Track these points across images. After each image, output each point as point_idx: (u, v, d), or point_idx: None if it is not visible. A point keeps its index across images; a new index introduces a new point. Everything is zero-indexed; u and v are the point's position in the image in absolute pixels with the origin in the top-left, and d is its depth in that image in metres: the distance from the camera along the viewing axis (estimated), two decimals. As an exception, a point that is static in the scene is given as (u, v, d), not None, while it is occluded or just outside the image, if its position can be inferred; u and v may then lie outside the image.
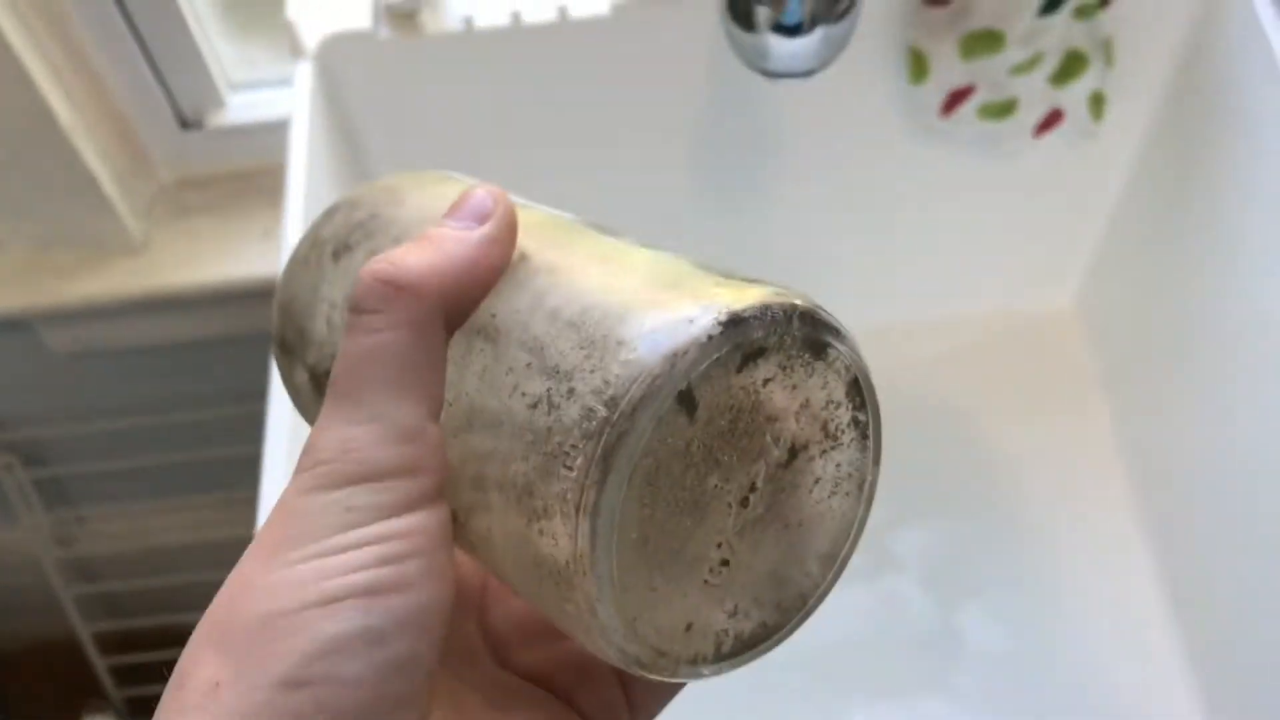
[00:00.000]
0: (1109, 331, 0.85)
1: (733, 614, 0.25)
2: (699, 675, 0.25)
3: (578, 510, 0.22)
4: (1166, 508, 0.78)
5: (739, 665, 0.26)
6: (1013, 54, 0.64)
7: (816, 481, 0.25)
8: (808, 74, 0.46)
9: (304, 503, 0.22)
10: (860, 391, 0.25)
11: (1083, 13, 0.63)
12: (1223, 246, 0.69)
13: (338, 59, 0.65)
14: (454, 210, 0.25)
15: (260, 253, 0.85)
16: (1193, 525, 0.76)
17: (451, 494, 0.24)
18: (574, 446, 0.22)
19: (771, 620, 0.26)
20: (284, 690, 0.21)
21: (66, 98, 0.77)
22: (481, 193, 0.26)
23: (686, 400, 0.23)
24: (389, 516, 0.22)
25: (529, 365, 0.24)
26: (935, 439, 0.85)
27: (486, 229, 0.25)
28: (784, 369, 0.24)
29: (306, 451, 0.23)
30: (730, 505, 0.24)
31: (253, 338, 0.85)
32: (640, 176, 0.73)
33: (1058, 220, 0.82)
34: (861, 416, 0.25)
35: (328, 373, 0.26)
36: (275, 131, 0.77)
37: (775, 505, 0.25)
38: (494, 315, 0.25)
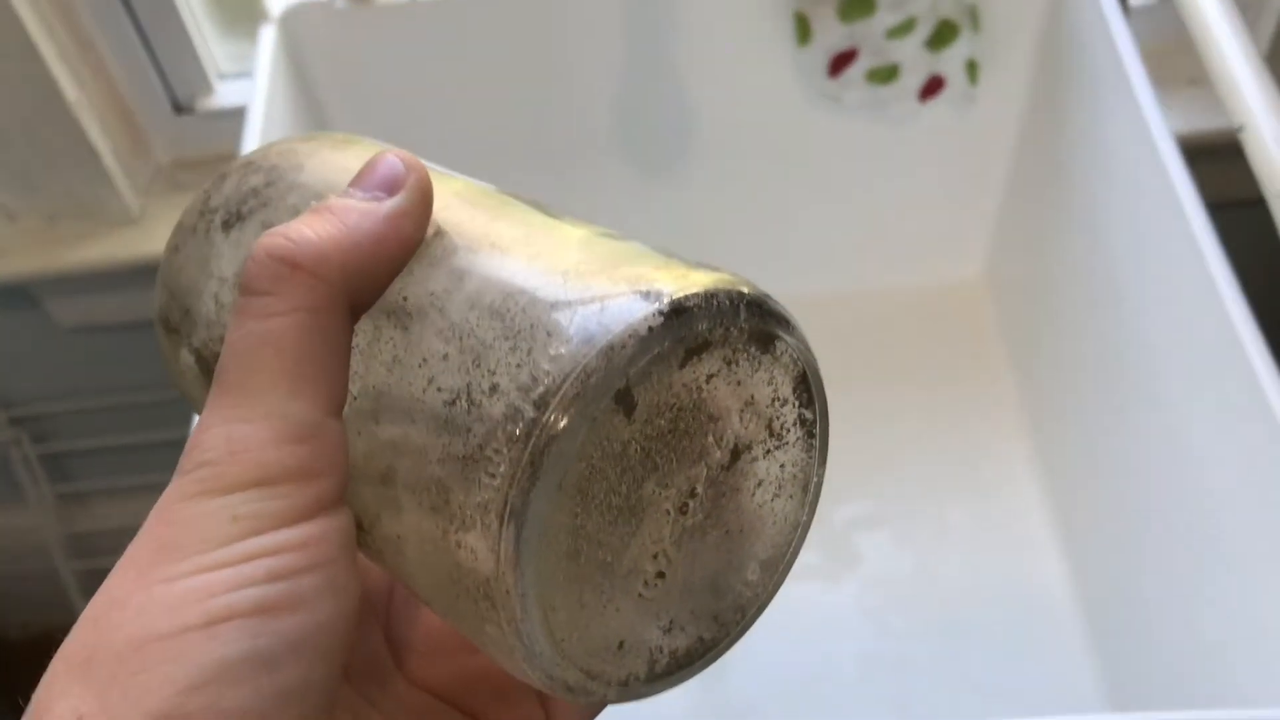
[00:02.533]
0: (1015, 299, 0.92)
1: (668, 629, 0.23)
2: (631, 697, 0.23)
3: (501, 522, 0.20)
4: (1068, 473, 0.84)
5: (673, 685, 0.24)
6: (885, 18, 0.73)
7: (759, 484, 0.23)
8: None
9: (185, 510, 0.20)
10: (808, 387, 0.24)
11: (947, -18, 0.72)
12: (1106, 207, 0.76)
13: (299, 26, 0.75)
14: (360, 178, 0.23)
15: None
16: (1091, 485, 0.82)
17: (354, 496, 0.22)
18: (497, 450, 0.20)
19: (709, 634, 0.24)
20: None
21: (74, 78, 0.87)
22: (392, 158, 0.23)
23: (624, 399, 0.20)
24: (281, 525, 0.20)
25: (445, 356, 0.21)
26: (844, 411, 0.91)
27: (397, 200, 0.22)
28: (729, 363, 0.22)
29: (189, 451, 0.20)
30: (668, 512, 0.22)
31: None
32: (565, 138, 0.82)
33: (957, 190, 0.90)
34: (808, 414, 0.24)
35: (215, 356, 0.24)
36: (256, 110, 0.87)
37: (715, 511, 0.23)
38: (405, 298, 0.22)
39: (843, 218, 0.90)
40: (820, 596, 0.83)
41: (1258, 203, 0.58)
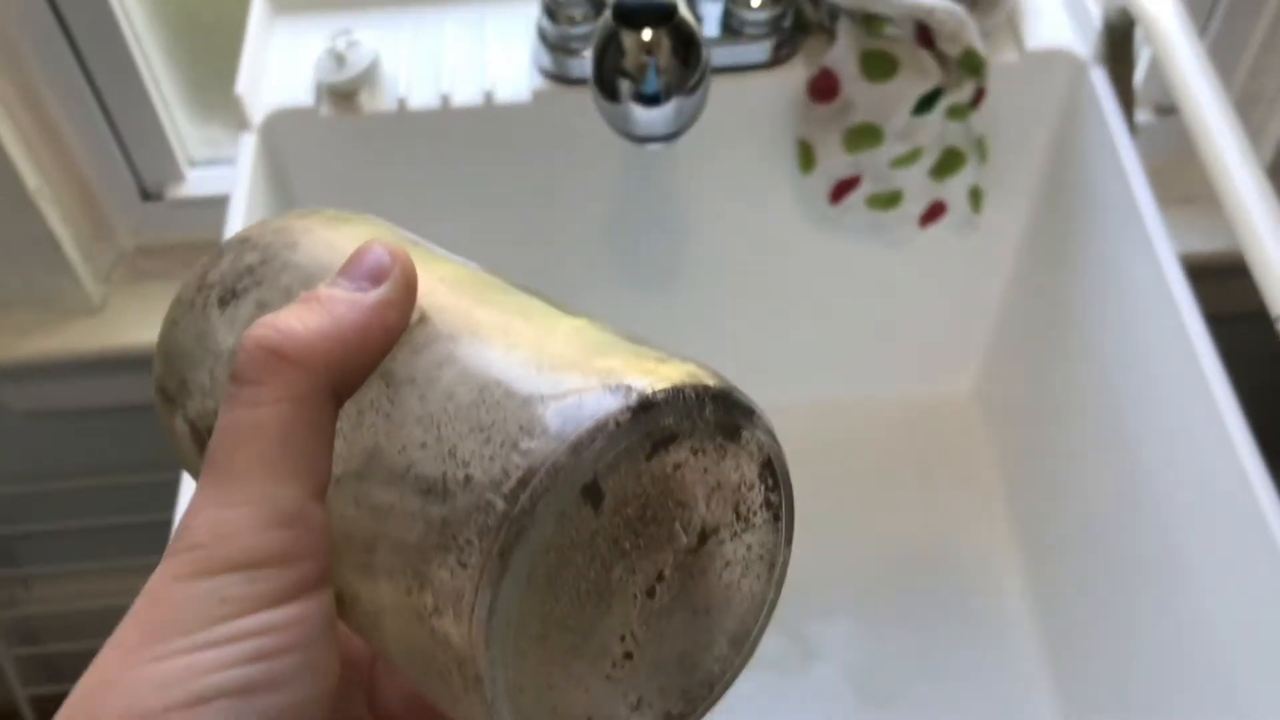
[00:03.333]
0: (1004, 416, 0.91)
1: (635, 706, 0.24)
2: None
3: (471, 611, 0.21)
4: (1054, 577, 0.83)
5: None
6: (893, 148, 0.71)
7: (726, 565, 0.24)
8: (668, 138, 0.53)
9: (173, 591, 0.21)
10: (773, 472, 0.24)
11: (955, 113, 0.70)
12: (1107, 328, 0.75)
13: (281, 133, 0.72)
14: (347, 268, 0.24)
15: (210, 318, 0.90)
16: (1075, 589, 0.80)
17: (335, 573, 0.23)
18: (469, 542, 0.21)
19: (677, 709, 0.25)
20: None
21: (35, 166, 0.83)
22: (379, 249, 0.24)
23: (592, 492, 0.21)
24: (265, 608, 0.21)
25: (424, 445, 0.22)
26: (834, 520, 0.89)
27: (382, 291, 0.23)
28: (695, 453, 0.23)
29: (178, 534, 0.21)
30: (636, 596, 0.23)
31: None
32: (556, 250, 0.79)
33: (951, 309, 0.88)
34: (774, 497, 0.24)
35: (209, 429, 0.25)
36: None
37: (683, 592, 0.23)
38: (387, 385, 0.23)
39: (834, 331, 0.88)
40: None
41: (1240, 317, 0.59)
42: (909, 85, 0.68)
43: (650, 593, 0.23)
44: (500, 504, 0.21)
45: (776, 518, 0.25)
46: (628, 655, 0.23)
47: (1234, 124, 0.57)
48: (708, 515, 0.23)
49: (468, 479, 0.21)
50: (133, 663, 0.20)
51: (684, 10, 0.48)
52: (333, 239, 0.27)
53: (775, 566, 0.25)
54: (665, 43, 0.48)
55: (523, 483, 0.21)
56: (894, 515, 0.89)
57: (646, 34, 0.47)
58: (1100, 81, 0.70)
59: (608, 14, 0.48)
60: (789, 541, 0.25)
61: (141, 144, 0.87)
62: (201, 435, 0.27)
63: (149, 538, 1.08)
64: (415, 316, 0.24)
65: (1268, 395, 0.66)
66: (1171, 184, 0.92)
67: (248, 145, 0.71)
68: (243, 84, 0.71)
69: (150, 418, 0.93)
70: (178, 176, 0.90)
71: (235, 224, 0.68)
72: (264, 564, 0.21)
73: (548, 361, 0.22)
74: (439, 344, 0.23)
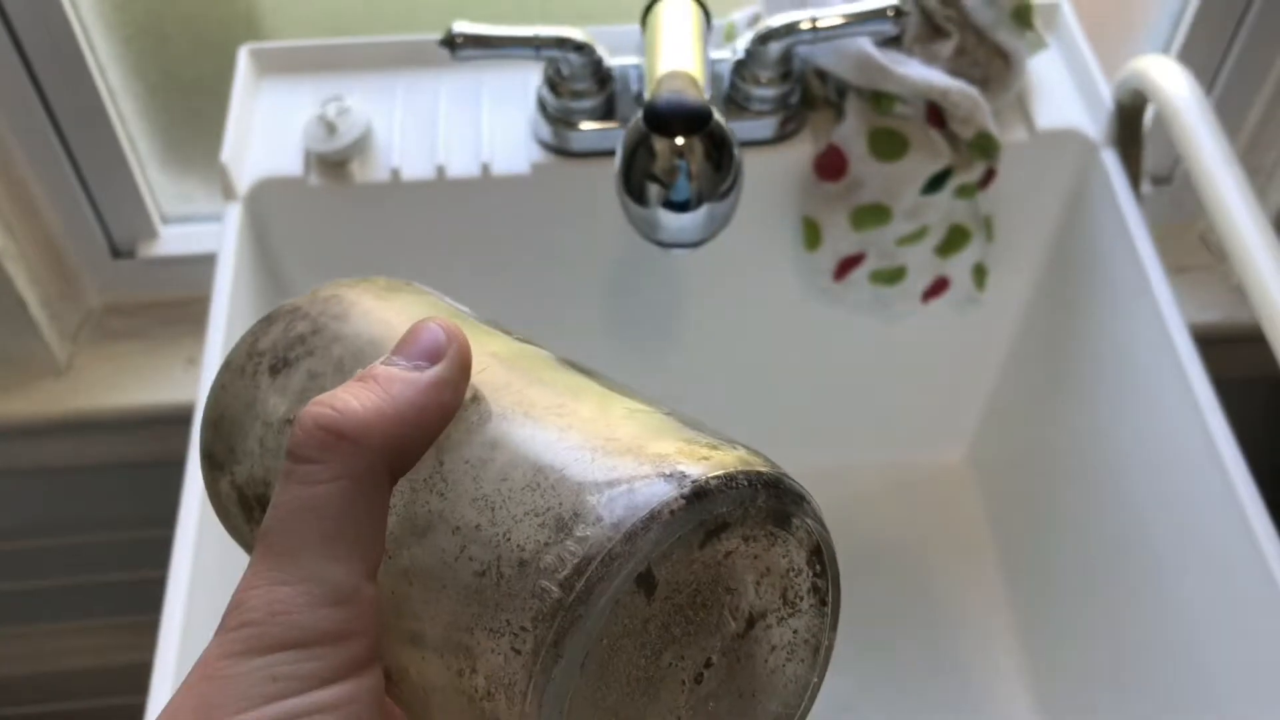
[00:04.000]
0: (998, 483, 0.89)
1: None
2: None
3: (524, 699, 0.21)
4: (1049, 650, 0.82)
5: None
6: (899, 226, 0.69)
7: (772, 649, 0.24)
8: (695, 245, 0.51)
9: (227, 667, 0.21)
10: (821, 558, 0.24)
11: (963, 192, 0.69)
12: (1086, 406, 0.74)
13: (268, 202, 0.69)
14: (403, 346, 0.24)
15: (183, 380, 0.87)
16: (1072, 663, 0.79)
17: (384, 649, 0.23)
18: (524, 628, 0.21)
19: None
20: None
21: (2, 224, 0.80)
22: (434, 327, 0.24)
23: (646, 580, 0.21)
24: (317, 686, 0.21)
25: (478, 527, 0.22)
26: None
27: (438, 371, 0.23)
28: (746, 540, 0.22)
29: (233, 609, 0.21)
30: (684, 682, 0.23)
31: (167, 464, 0.87)
32: (554, 323, 0.76)
33: (949, 380, 0.86)
34: (821, 583, 0.24)
35: (256, 496, 0.26)
36: (205, 263, 0.80)
37: (730, 677, 0.23)
38: (441, 464, 0.23)
39: (830, 399, 0.87)
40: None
41: (1228, 382, 0.59)
42: (919, 165, 0.66)
43: (698, 679, 0.23)
44: (556, 591, 0.21)
45: (823, 603, 0.25)
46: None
47: (1259, 218, 0.56)
48: (755, 601, 0.23)
49: (522, 563, 0.21)
50: None
51: (718, 116, 0.46)
52: (383, 312, 0.28)
53: (820, 650, 0.25)
54: (698, 148, 0.45)
55: (579, 571, 0.20)
56: (887, 581, 0.88)
57: (680, 140, 0.45)
58: (1111, 161, 0.69)
59: (638, 117, 0.46)
60: (834, 626, 0.25)
61: (113, 200, 0.84)
62: (248, 500, 0.27)
63: (112, 597, 1.04)
64: (468, 395, 0.24)
65: (1262, 459, 0.65)
66: (1164, 253, 0.92)
67: (233, 215, 0.68)
68: (228, 151, 0.68)
69: (115, 477, 0.89)
70: (151, 233, 0.86)
71: (222, 296, 0.65)
72: (317, 643, 0.21)
73: (601, 445, 0.22)
74: (493, 423, 0.23)
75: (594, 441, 0.22)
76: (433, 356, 0.23)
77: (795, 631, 0.24)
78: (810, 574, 0.24)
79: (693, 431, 0.23)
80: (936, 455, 0.92)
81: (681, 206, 0.47)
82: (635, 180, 0.47)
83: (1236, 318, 0.90)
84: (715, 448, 0.23)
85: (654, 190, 0.47)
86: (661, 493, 0.21)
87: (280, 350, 0.28)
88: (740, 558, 0.22)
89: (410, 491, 0.23)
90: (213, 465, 0.29)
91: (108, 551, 1.00)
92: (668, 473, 0.21)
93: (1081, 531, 0.77)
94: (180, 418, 0.87)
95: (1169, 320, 0.64)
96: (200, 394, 0.62)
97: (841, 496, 0.91)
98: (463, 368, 0.24)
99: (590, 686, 0.21)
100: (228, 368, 0.29)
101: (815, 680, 0.26)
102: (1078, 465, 0.77)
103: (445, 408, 0.23)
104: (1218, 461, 0.59)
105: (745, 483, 0.22)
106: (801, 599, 0.24)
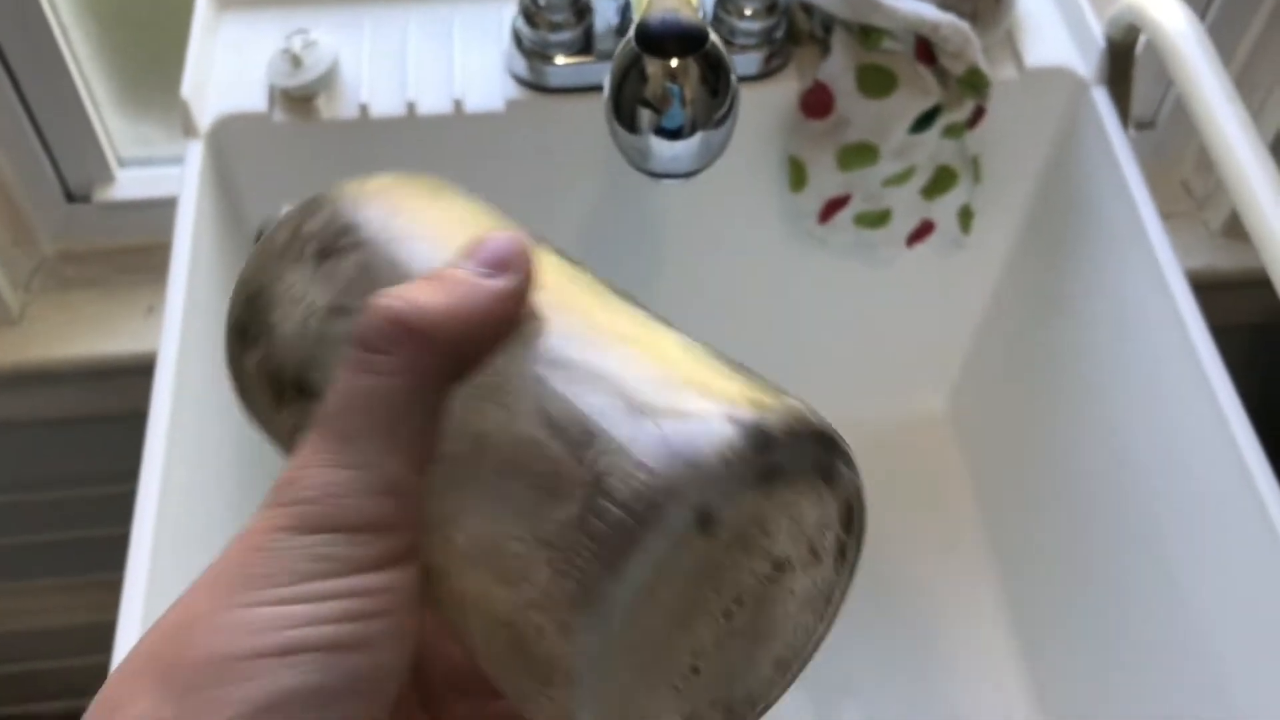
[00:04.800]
0: (978, 434, 0.88)
1: (689, 716, 0.24)
2: None
3: (576, 613, 0.21)
4: (1031, 601, 0.81)
5: None
6: (886, 167, 0.67)
7: (791, 595, 0.24)
8: (688, 175, 0.48)
9: (273, 541, 0.21)
10: (853, 517, 0.25)
11: (951, 131, 0.67)
12: (1074, 352, 0.73)
13: (230, 140, 0.66)
14: (474, 251, 0.24)
15: (142, 330, 0.84)
16: (1053, 615, 0.78)
17: (425, 548, 0.23)
18: (582, 547, 0.21)
19: None
20: None
21: (-51, 166, 0.76)
22: (504, 237, 0.24)
23: (702, 517, 0.21)
24: (359, 571, 0.21)
25: (537, 442, 0.22)
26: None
27: (506, 281, 0.23)
28: (793, 488, 0.23)
29: (284, 485, 0.22)
30: (716, 618, 0.23)
31: (127, 417, 0.84)
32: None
33: (931, 328, 0.85)
34: (845, 539, 0.25)
35: (291, 379, 0.26)
36: (164, 208, 0.77)
37: (754, 618, 0.24)
38: (500, 373, 0.23)
39: (809, 348, 0.85)
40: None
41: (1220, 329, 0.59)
42: (907, 103, 0.64)
43: (728, 615, 0.23)
44: (616, 513, 0.21)
45: (843, 558, 0.25)
46: (695, 670, 0.23)
47: (1259, 149, 0.55)
48: (787, 548, 0.24)
49: (584, 484, 0.21)
50: (225, 605, 0.20)
51: (715, 38, 0.44)
52: (434, 213, 0.28)
53: (831, 603, 0.26)
54: (693, 71, 0.43)
55: (640, 497, 0.21)
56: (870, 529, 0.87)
57: (674, 61, 0.43)
58: (1102, 100, 0.67)
59: (630, 38, 0.43)
60: (849, 584, 0.26)
61: (67, 142, 0.80)
62: (280, 383, 0.27)
63: (72, 556, 1.01)
64: (530, 309, 0.24)
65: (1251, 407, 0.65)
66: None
67: (194, 153, 0.65)
68: (188, 86, 0.65)
69: (72, 432, 0.86)
70: (107, 177, 0.83)
71: (184, 237, 0.62)
72: (363, 529, 0.21)
73: (666, 377, 0.23)
74: (555, 340, 0.23)
75: (659, 372, 0.23)
76: (501, 266, 0.23)
77: (814, 582, 0.25)
78: (840, 530, 0.25)
79: (749, 376, 0.24)
80: (916, 405, 0.91)
81: (674, 134, 0.45)
82: (626, 105, 0.45)
83: (1218, 265, 0.89)
84: (776, 396, 0.23)
85: (645, 116, 0.45)
86: (729, 435, 0.21)
87: (329, 238, 0.27)
88: (785, 505, 0.23)
89: (468, 399, 0.23)
90: (244, 341, 0.28)
91: (66, 509, 0.97)
92: (734, 416, 0.22)
93: (1067, 481, 0.76)
94: (141, 368, 0.84)
95: (1164, 263, 0.62)
96: (161, 344, 0.60)
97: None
98: (528, 280, 0.24)
99: (638, 612, 0.21)
100: (268, 247, 0.28)
101: (822, 631, 0.26)
102: (1064, 414, 0.76)
103: (511, 318, 0.23)
104: (1215, 408, 0.58)
105: (805, 434, 0.23)
106: (826, 552, 0.25)
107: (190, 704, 0.19)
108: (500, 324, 0.23)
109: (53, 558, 1.02)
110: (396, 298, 0.23)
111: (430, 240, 0.26)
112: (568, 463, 0.21)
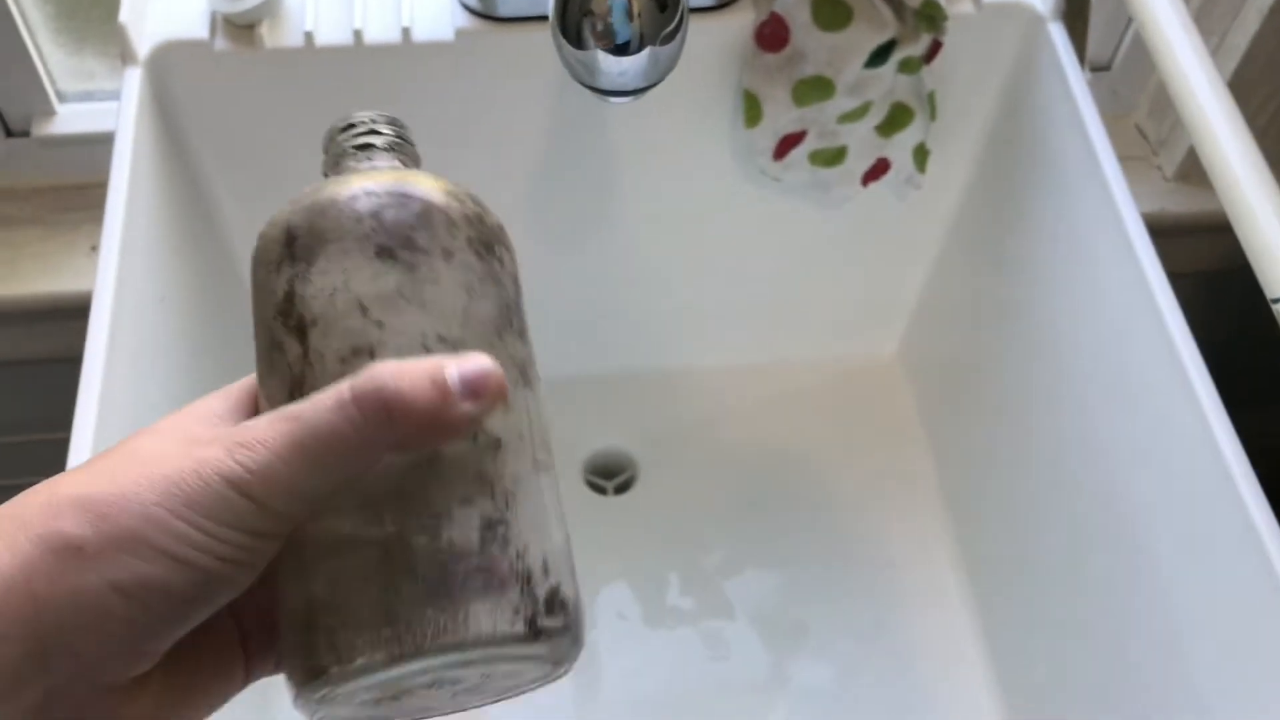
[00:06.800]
0: (930, 376, 0.88)
1: (374, 709, 0.31)
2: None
3: (356, 672, 0.28)
4: (982, 542, 0.81)
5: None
6: (842, 102, 0.66)
7: (489, 687, 0.32)
8: (636, 93, 0.47)
9: (213, 482, 0.27)
10: (561, 675, 0.31)
11: (907, 67, 0.66)
12: (1028, 293, 0.73)
13: (170, 68, 0.64)
14: (465, 366, 0.28)
15: (85, 269, 0.82)
16: (1005, 556, 0.79)
17: (297, 534, 0.29)
18: (387, 638, 0.28)
19: (387, 716, 0.32)
20: (115, 592, 0.26)
21: (-120, 96, 0.74)
22: (491, 372, 0.28)
23: (468, 663, 0.29)
24: (255, 535, 0.27)
25: (410, 543, 0.28)
26: (762, 483, 0.86)
27: (473, 410, 0.28)
28: (533, 661, 0.30)
29: (244, 444, 0.27)
30: (432, 686, 0.30)
31: (67, 360, 0.82)
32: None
33: (884, 269, 0.85)
34: (546, 680, 0.32)
35: (311, 318, 0.30)
36: (107, 144, 0.75)
37: (456, 690, 0.31)
38: (417, 475, 0.29)
39: (762, 290, 0.85)
40: (717, 679, 0.77)
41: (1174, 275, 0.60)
42: (863, 36, 0.64)
43: (441, 688, 0.30)
44: (423, 635, 0.28)
45: (539, 683, 0.32)
46: (395, 699, 0.30)
47: (1225, 100, 0.54)
48: (505, 676, 0.31)
49: (420, 598, 0.28)
50: (160, 501, 0.27)
51: (662, -54, 0.43)
52: (471, 276, 0.31)
53: (511, 695, 0.33)
54: (641, -17, 0.42)
55: (444, 633, 0.28)
56: (817, 478, 0.87)
57: (620, -27, 0.42)
58: (1059, 36, 0.67)
59: (574, -52, 0.42)
60: (519, 694, 0.33)
61: (5, 75, 0.78)
62: (298, 318, 0.30)
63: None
64: (470, 436, 0.30)
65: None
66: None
67: (132, 81, 0.63)
68: (126, 11, 0.63)
69: (10, 375, 0.84)
70: (47, 111, 0.81)
71: (121, 170, 0.60)
72: (275, 512, 0.27)
73: (517, 562, 0.29)
74: (468, 475, 0.29)
75: (511, 551, 0.29)
76: (477, 393, 0.28)
77: (510, 686, 0.32)
78: (548, 679, 0.31)
79: (562, 574, 0.30)
80: (867, 349, 0.91)
81: (622, 49, 0.44)
82: (571, 19, 0.43)
83: (1171, 209, 0.89)
84: (564, 605, 0.30)
85: (591, 30, 0.43)
86: (520, 631, 0.29)
87: (392, 239, 0.30)
88: (521, 664, 0.30)
89: (393, 470, 0.29)
90: (289, 249, 0.31)
91: (3, 455, 0.95)
92: (530, 616, 0.29)
93: (1019, 424, 0.76)
94: (85, 309, 0.83)
95: (1120, 202, 0.62)
96: (96, 283, 0.58)
97: (769, 392, 0.90)
98: (486, 413, 0.29)
99: (389, 679, 0.29)
100: (350, 202, 0.31)
101: (510, 696, 0.33)
102: (1017, 357, 0.76)
103: (457, 436, 0.29)
104: (1172, 351, 0.58)
105: (564, 644, 0.30)
106: (530, 681, 0.32)
107: (105, 552, 0.26)
108: (449, 439, 0.29)
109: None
110: (395, 379, 0.28)
111: (454, 316, 0.30)
112: (419, 575, 0.28)
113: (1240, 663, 0.55)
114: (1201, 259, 0.91)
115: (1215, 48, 0.85)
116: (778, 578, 0.83)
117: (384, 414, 0.27)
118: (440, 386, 0.28)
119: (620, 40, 0.44)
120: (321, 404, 0.28)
